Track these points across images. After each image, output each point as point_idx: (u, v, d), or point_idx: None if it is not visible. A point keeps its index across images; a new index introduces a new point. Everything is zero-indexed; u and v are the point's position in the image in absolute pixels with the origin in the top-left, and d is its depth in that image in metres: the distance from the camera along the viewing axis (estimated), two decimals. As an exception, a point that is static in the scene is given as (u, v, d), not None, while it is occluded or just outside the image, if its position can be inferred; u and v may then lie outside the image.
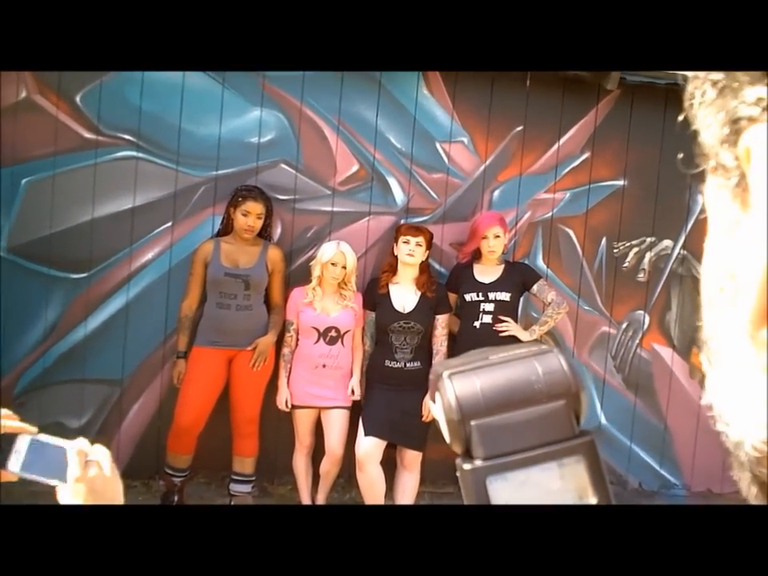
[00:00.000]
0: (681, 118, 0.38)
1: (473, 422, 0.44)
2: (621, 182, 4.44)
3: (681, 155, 0.43)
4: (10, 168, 3.93)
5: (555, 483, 0.43)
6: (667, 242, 4.50)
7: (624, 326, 4.52)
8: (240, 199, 3.83)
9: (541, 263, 4.38)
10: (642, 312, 4.52)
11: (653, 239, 4.49)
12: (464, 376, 0.45)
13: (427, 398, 3.75)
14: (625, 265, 4.49)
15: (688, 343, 4.58)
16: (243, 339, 3.76)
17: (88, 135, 4.02)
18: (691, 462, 4.63)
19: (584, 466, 0.44)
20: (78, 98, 3.98)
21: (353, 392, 3.80)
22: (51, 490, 1.13)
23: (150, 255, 4.13)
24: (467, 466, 0.44)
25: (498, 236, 3.92)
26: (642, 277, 4.50)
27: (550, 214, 4.40)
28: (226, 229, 3.92)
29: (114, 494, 1.22)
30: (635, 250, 4.48)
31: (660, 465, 4.61)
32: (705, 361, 0.37)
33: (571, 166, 4.40)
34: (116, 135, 4.03)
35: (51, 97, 3.96)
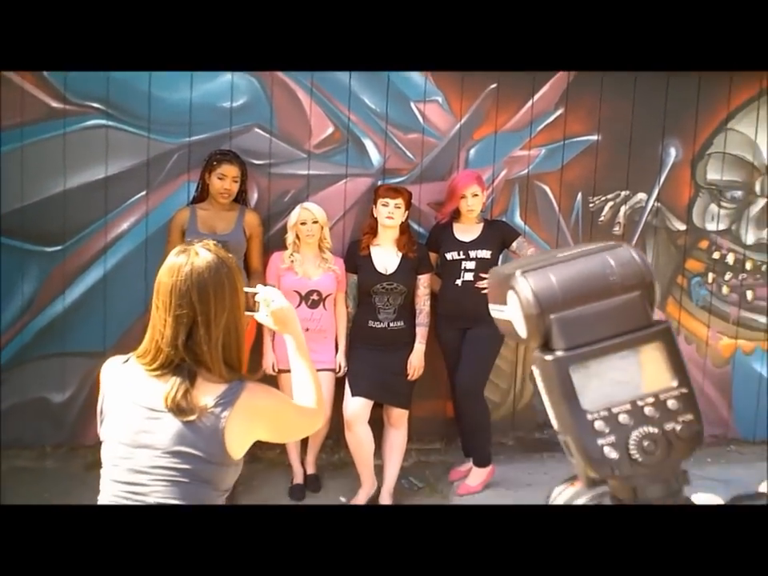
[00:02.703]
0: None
1: (552, 316, 0.45)
2: (594, 137, 4.46)
3: None
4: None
5: (634, 370, 0.45)
6: (641, 195, 4.55)
7: (601, 279, 4.57)
8: (215, 163, 3.78)
9: (518, 220, 4.41)
10: (617, 265, 4.58)
11: (627, 193, 4.54)
12: (538, 272, 0.46)
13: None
14: (600, 219, 4.54)
15: (663, 293, 4.66)
16: None
17: (55, 104, 3.92)
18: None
19: (662, 353, 0.45)
20: (43, 66, 3.87)
21: (340, 367, 3.85)
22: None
23: (125, 225, 4.07)
24: (549, 357, 0.45)
25: (476, 194, 3.93)
26: (617, 230, 4.56)
27: (525, 170, 4.41)
28: (202, 195, 3.86)
29: (292, 317, 1.78)
30: (610, 203, 4.53)
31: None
32: None
33: (545, 123, 4.41)
34: (84, 104, 3.95)
35: (15, 65, 3.84)
